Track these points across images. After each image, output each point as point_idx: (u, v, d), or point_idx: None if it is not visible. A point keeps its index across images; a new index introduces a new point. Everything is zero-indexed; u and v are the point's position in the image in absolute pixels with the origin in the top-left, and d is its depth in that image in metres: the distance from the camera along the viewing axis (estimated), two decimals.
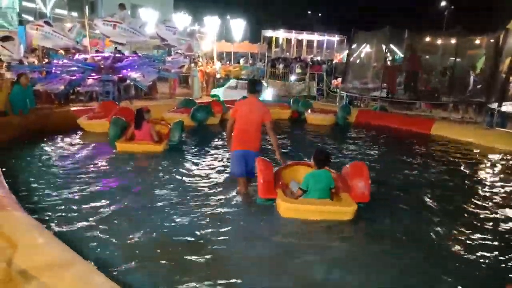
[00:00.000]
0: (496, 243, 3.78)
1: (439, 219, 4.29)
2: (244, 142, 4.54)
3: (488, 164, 6.82)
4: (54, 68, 10.48)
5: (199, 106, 9.27)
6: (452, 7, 30.04)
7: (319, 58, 26.62)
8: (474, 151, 7.58)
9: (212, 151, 6.84)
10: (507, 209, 4.65)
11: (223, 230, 3.76)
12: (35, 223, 3.22)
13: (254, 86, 4.69)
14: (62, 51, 12.95)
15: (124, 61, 10.97)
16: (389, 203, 4.66)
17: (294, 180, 4.53)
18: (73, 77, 10.43)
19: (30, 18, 17.24)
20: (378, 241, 3.72)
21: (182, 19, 23.23)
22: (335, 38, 30.58)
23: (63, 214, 3.95)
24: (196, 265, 3.13)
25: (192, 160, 6.21)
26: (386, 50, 12.15)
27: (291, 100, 11.21)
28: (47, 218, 3.82)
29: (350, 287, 3.00)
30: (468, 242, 3.77)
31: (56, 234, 3.18)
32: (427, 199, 4.87)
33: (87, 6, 13.99)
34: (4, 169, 4.81)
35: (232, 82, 14.78)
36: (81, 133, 7.69)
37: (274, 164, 4.57)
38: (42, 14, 17.59)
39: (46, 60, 12.31)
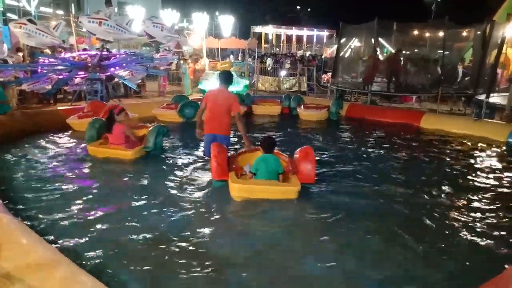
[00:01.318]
0: (471, 224, 3.93)
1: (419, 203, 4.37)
2: (212, 127, 5.08)
3: (472, 153, 6.90)
4: (40, 67, 10.30)
5: (187, 102, 9.20)
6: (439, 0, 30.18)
7: (308, 53, 26.65)
8: (462, 141, 7.66)
9: (197, 148, 6.74)
10: (485, 192, 4.84)
11: (197, 223, 3.85)
12: (21, 225, 3.15)
13: (223, 78, 5.13)
14: (48, 50, 12.72)
15: (112, 59, 10.84)
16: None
17: (249, 164, 4.76)
18: (60, 76, 10.28)
19: (15, 17, 16.90)
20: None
21: (170, 16, 23.01)
22: (325, 33, 30.65)
23: (49, 215, 3.87)
24: (181, 262, 3.11)
25: (176, 157, 6.13)
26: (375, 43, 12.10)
27: (283, 96, 11.16)
28: (33, 219, 3.74)
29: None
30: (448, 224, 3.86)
31: (42, 235, 3.11)
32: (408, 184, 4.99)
33: (73, 4, 13.77)
34: None
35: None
36: (70, 133, 7.57)
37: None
38: (26, 13, 17.25)
39: (29, 60, 12.07)
